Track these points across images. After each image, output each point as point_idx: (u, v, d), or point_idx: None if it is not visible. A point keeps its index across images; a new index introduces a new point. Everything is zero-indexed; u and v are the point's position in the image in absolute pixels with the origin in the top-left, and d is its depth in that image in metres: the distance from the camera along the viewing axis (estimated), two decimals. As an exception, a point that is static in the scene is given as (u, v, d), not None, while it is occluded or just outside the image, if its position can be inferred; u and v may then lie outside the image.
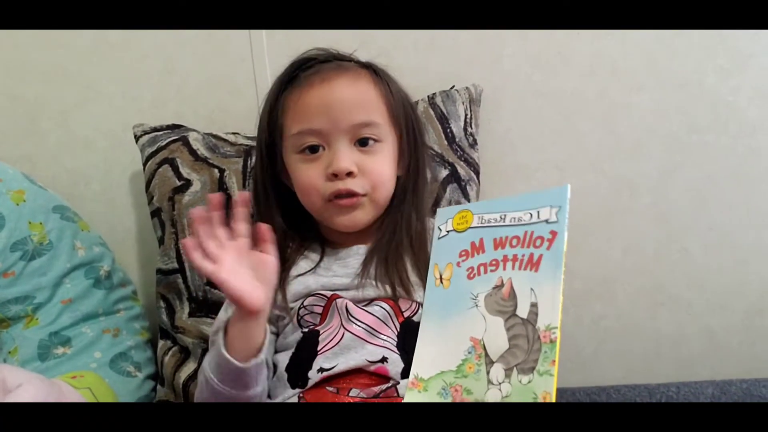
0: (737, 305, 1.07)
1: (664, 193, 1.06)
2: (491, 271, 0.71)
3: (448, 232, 0.77)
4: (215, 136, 1.04)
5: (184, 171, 0.99)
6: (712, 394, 0.91)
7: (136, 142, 1.04)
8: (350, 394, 0.73)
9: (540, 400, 0.62)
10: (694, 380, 0.96)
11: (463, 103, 1.04)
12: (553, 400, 0.61)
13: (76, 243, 1.01)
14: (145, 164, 1.02)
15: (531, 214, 0.70)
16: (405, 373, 0.74)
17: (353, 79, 0.81)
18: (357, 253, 0.84)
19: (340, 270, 0.82)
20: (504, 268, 0.70)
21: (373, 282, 0.80)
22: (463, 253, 0.74)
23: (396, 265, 0.81)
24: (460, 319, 0.71)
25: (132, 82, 1.11)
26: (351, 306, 0.78)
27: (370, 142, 0.81)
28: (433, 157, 0.99)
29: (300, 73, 0.83)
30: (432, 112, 1.03)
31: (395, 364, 0.75)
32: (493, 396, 0.65)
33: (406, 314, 0.78)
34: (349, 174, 0.79)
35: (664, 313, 1.09)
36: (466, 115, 1.03)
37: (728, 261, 1.06)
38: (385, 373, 0.74)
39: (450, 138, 1.02)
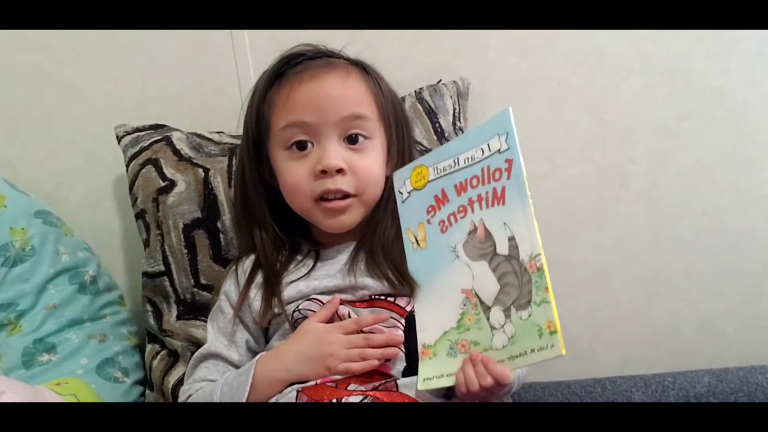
0: (732, 292, 1.06)
1: (654, 179, 1.05)
2: (461, 218, 0.69)
3: (409, 193, 0.76)
4: (199, 136, 1.02)
5: (168, 171, 0.97)
6: (708, 382, 0.90)
7: (119, 143, 1.03)
8: (348, 388, 0.72)
9: (545, 329, 0.61)
10: (690, 369, 0.95)
11: (451, 97, 1.02)
12: (557, 326, 0.60)
13: (59, 248, 1.00)
14: (128, 165, 1.00)
15: (482, 150, 0.69)
16: (406, 373, 0.73)
17: (344, 75, 0.80)
18: (346, 250, 0.83)
19: (331, 269, 0.81)
20: (473, 211, 0.68)
21: (364, 275, 0.79)
22: (430, 209, 0.73)
23: (383, 255, 0.80)
24: (446, 274, 0.70)
25: (114, 82, 1.10)
26: (352, 315, 0.77)
27: (360, 138, 0.79)
28: (422, 153, 0.98)
29: (288, 69, 0.81)
30: (420, 107, 1.01)
31: (399, 362, 0.74)
32: (499, 340, 0.65)
33: (408, 309, 0.77)
34: (339, 171, 0.77)
35: (659, 302, 1.08)
36: (454, 109, 1.02)
37: (721, 247, 1.05)
38: (386, 371, 0.73)
39: (439, 133, 1.00)
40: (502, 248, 0.65)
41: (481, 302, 0.66)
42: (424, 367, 0.70)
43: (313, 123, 0.77)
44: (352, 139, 0.79)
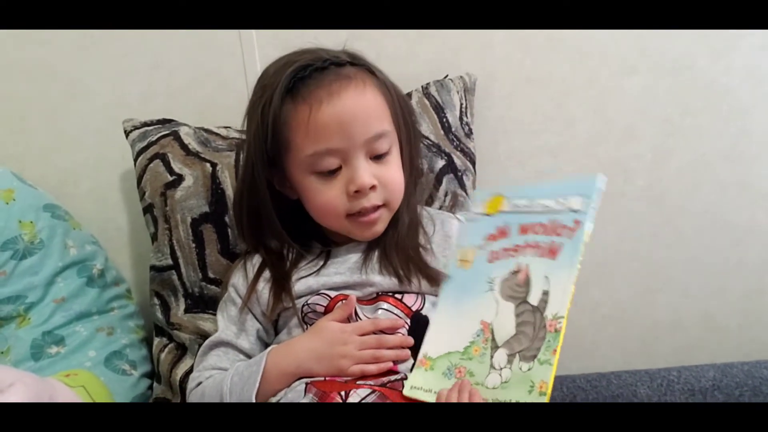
0: (735, 287, 1.07)
1: (657, 176, 1.06)
2: (511, 256, 0.70)
3: (477, 214, 0.77)
4: (207, 130, 1.02)
5: (176, 166, 0.97)
6: (713, 377, 0.91)
7: (127, 137, 1.03)
8: (357, 382, 0.72)
9: (537, 388, 0.62)
10: (693, 364, 0.96)
11: (458, 93, 1.03)
12: (549, 389, 0.61)
13: (67, 241, 1.00)
14: (135, 160, 1.00)
15: (560, 202, 0.69)
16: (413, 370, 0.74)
17: (360, 88, 0.78)
18: (356, 248, 0.83)
19: (341, 267, 0.82)
20: (524, 255, 0.69)
21: (376, 273, 0.80)
22: (489, 237, 0.74)
23: (396, 253, 0.81)
24: (475, 301, 0.71)
25: (119, 77, 1.10)
26: (359, 312, 0.77)
27: (384, 152, 0.80)
28: (429, 148, 0.98)
29: (298, 84, 0.78)
30: (427, 102, 1.02)
31: (406, 362, 0.74)
32: (492, 380, 0.66)
33: (414, 308, 0.78)
34: (371, 188, 0.78)
35: (662, 297, 1.09)
36: (461, 104, 1.03)
37: (724, 243, 1.07)
38: (394, 369, 0.74)
39: (446, 128, 1.01)
40: (534, 298, 0.66)
41: (493, 339, 0.67)
42: (416, 375, 0.71)
43: (342, 148, 0.77)
44: (376, 154, 0.79)
